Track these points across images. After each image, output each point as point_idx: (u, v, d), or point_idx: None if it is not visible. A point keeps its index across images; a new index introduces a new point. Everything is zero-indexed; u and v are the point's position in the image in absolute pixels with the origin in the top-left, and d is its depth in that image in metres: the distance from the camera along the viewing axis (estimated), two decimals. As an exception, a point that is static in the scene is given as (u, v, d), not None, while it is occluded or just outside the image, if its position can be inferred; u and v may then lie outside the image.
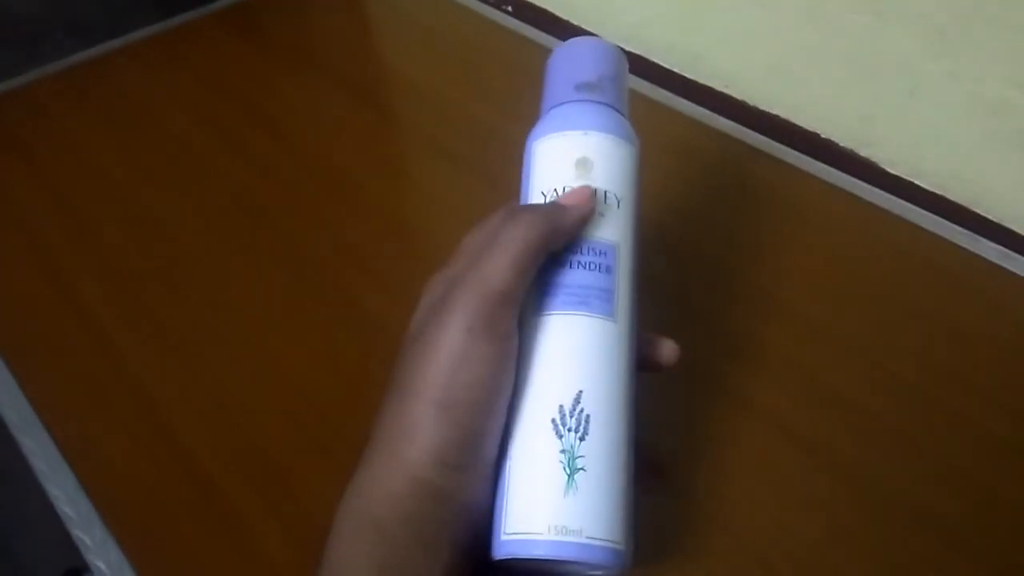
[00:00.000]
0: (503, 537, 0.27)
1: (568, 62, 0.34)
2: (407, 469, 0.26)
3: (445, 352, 0.26)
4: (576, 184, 0.30)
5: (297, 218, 0.53)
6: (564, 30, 0.70)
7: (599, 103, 0.32)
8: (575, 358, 0.28)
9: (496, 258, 0.27)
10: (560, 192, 0.30)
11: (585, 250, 0.29)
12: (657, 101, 0.62)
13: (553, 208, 0.29)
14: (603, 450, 0.27)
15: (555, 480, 0.26)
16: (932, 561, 0.35)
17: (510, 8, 0.73)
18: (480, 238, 0.29)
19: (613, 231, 0.30)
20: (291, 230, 0.52)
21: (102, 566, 0.37)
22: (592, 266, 0.29)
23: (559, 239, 0.29)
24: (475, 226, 0.31)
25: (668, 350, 0.32)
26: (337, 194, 0.55)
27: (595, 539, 0.26)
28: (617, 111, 0.33)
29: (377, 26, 0.75)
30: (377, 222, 0.53)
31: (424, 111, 0.63)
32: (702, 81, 0.63)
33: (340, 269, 0.50)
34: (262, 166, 0.58)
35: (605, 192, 0.30)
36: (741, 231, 0.51)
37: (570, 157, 0.31)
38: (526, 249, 0.27)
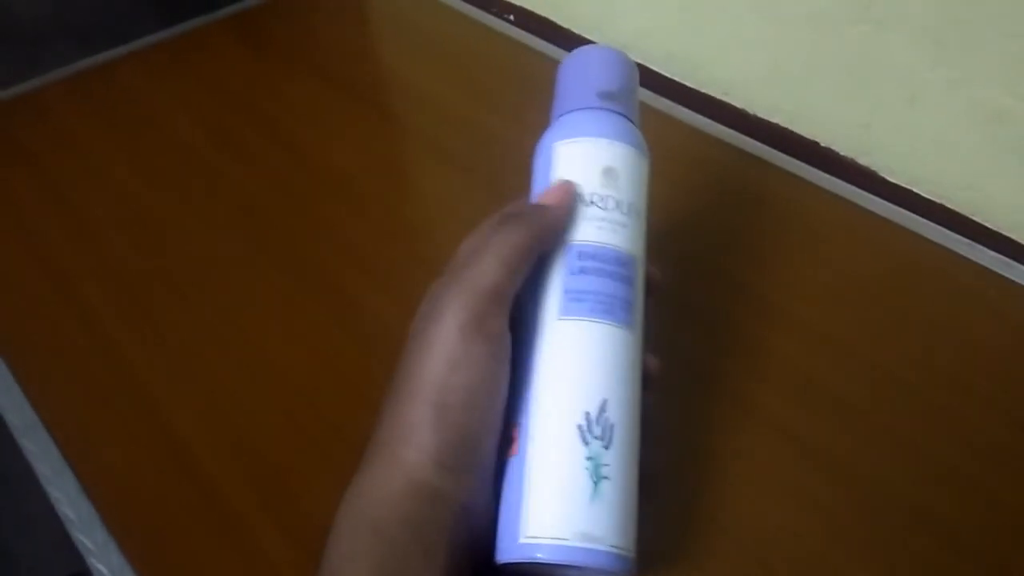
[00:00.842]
0: (522, 540, 0.26)
1: (588, 68, 0.34)
2: (405, 471, 0.26)
3: (439, 351, 0.26)
4: (603, 192, 0.30)
5: (298, 220, 0.54)
6: (565, 39, 0.70)
7: (620, 114, 0.32)
8: (601, 366, 0.28)
9: (486, 259, 0.28)
10: (590, 198, 0.30)
11: (610, 259, 0.30)
12: (657, 109, 0.62)
13: (538, 210, 0.30)
14: (624, 459, 0.27)
15: (581, 487, 0.26)
16: (931, 563, 0.35)
17: (512, 17, 0.74)
18: (473, 243, 0.30)
19: (633, 242, 0.30)
20: (292, 232, 0.53)
21: (103, 569, 0.37)
22: (615, 275, 0.29)
23: (547, 239, 0.29)
24: (470, 233, 0.31)
25: (651, 363, 0.32)
26: (338, 196, 0.56)
27: (615, 547, 0.26)
28: (633, 123, 0.33)
29: (379, 33, 0.75)
30: (378, 224, 0.53)
31: (425, 116, 0.63)
32: (702, 89, 0.63)
33: (340, 270, 0.50)
34: (264, 169, 0.58)
35: (627, 203, 0.31)
36: (741, 238, 0.51)
37: (597, 164, 0.31)
38: (514, 250, 0.28)
